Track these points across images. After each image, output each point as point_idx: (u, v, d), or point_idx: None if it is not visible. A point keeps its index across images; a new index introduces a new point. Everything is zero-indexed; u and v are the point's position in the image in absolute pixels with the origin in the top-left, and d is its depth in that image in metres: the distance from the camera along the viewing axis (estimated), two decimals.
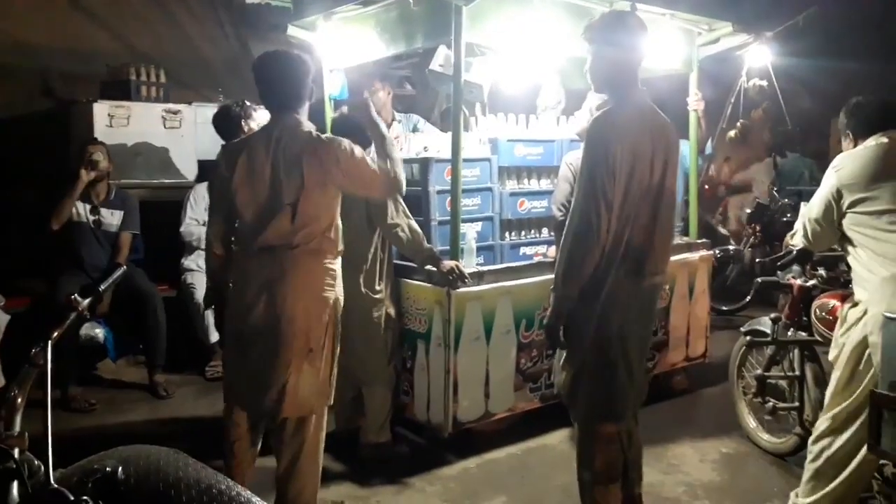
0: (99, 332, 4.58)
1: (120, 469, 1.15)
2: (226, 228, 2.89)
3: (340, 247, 2.88)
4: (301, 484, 2.87)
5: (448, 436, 3.61)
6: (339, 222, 2.88)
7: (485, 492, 3.30)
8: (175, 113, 5.36)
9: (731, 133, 7.22)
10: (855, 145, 2.85)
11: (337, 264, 2.86)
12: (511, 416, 3.88)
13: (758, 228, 6.94)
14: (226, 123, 3.89)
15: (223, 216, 2.88)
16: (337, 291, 2.86)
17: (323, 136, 2.81)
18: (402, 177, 2.92)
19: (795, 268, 3.54)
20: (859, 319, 2.60)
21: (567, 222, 2.57)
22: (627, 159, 2.51)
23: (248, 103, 3.91)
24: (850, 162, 2.73)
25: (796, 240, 3.06)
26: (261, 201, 2.73)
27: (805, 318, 3.44)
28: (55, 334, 1.27)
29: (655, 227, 2.64)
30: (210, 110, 5.52)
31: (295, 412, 2.79)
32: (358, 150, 2.79)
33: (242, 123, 3.86)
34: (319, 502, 3.05)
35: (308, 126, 2.78)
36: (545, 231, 4.41)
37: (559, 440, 3.86)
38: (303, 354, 2.73)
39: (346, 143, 2.77)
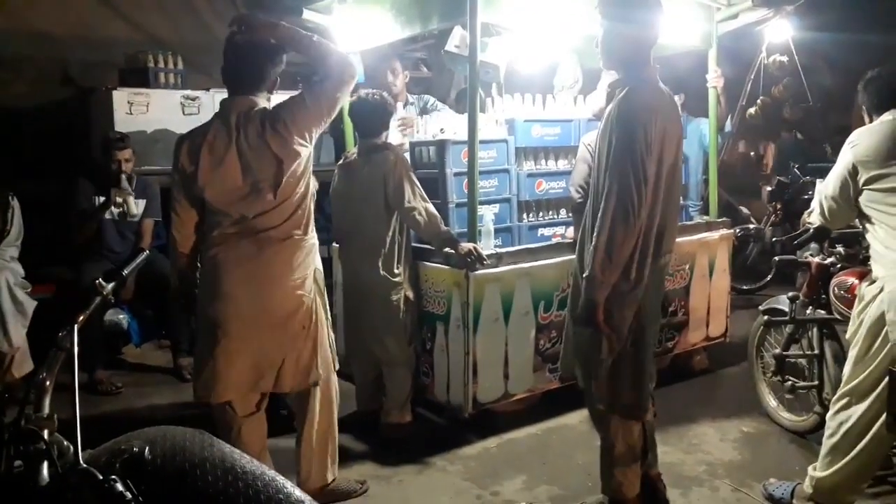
0: (122, 318, 4.67)
1: (147, 449, 1.18)
2: (195, 223, 2.78)
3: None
4: (314, 456, 2.95)
5: (468, 416, 3.63)
6: (313, 190, 2.86)
7: (505, 471, 3.33)
8: (193, 99, 5.39)
9: (752, 110, 7.13)
10: (871, 121, 2.81)
11: (313, 236, 2.84)
12: (530, 396, 3.89)
13: (778, 207, 6.88)
14: None
15: (191, 212, 2.76)
16: (316, 262, 2.88)
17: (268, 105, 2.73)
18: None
19: (813, 245, 3.51)
20: (876, 296, 2.58)
21: (602, 205, 2.49)
22: (659, 138, 2.48)
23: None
24: (865, 138, 2.69)
25: (813, 217, 3.03)
26: (234, 189, 2.65)
27: (824, 296, 3.40)
28: (81, 318, 1.30)
29: (671, 206, 2.63)
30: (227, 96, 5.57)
31: (302, 384, 2.83)
32: (295, 95, 2.72)
33: None
34: (342, 481, 3.10)
35: (262, 104, 2.71)
36: (563, 212, 4.39)
37: (579, 420, 3.87)
38: (298, 331, 2.76)
39: (284, 101, 2.70)
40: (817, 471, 2.79)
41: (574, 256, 3.96)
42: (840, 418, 2.71)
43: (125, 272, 1.40)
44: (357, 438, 3.68)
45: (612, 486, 2.77)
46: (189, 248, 2.81)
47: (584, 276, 2.56)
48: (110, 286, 1.36)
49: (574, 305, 2.70)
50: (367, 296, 3.64)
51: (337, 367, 3.01)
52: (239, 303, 2.68)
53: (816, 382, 3.41)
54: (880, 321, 2.55)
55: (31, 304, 4.22)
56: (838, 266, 3.39)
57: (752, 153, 8.91)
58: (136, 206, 4.64)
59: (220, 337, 2.70)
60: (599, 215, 2.49)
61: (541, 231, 4.29)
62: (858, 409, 2.64)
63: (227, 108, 2.70)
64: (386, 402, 3.72)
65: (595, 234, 2.51)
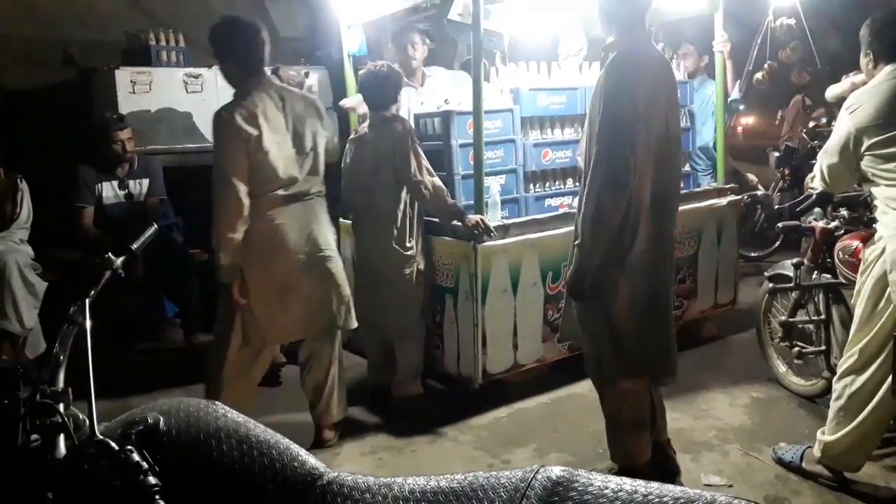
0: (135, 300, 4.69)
1: (161, 420, 1.18)
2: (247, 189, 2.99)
3: None
4: (335, 392, 3.35)
5: (478, 387, 3.66)
6: None
7: (517, 439, 3.36)
8: (196, 77, 5.35)
9: (759, 75, 7.04)
10: (874, 67, 2.69)
11: None
12: (540, 366, 3.91)
13: (786, 172, 6.83)
14: None
15: (245, 177, 2.97)
16: None
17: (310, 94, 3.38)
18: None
19: (817, 210, 3.48)
20: (879, 256, 2.57)
21: (591, 173, 2.48)
22: (650, 103, 2.46)
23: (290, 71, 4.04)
24: (865, 101, 2.62)
25: (815, 183, 2.98)
26: (287, 154, 3.05)
27: (829, 261, 3.39)
28: (92, 293, 1.30)
29: (672, 175, 2.60)
30: None
31: (336, 325, 3.28)
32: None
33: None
34: (356, 454, 3.14)
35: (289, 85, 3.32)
36: (570, 182, 4.36)
37: (589, 388, 3.85)
38: (340, 278, 3.27)
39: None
40: (825, 435, 2.80)
41: None
42: (846, 381, 2.71)
43: (134, 246, 1.40)
44: (369, 411, 3.71)
45: (622, 453, 2.79)
46: (245, 216, 2.98)
47: (575, 243, 2.57)
48: (120, 260, 1.36)
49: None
50: (379, 269, 3.65)
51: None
52: (299, 258, 3.10)
53: (824, 347, 3.41)
54: (882, 281, 2.54)
55: (42, 286, 4.24)
56: (842, 230, 3.37)
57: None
58: (141, 186, 4.64)
59: (280, 292, 3.10)
60: (587, 183, 2.48)
61: (548, 201, 4.27)
62: (865, 373, 2.64)
63: (263, 83, 3.07)
64: (397, 374, 3.75)
65: (584, 203, 2.50)
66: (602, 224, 2.47)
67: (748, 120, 11.70)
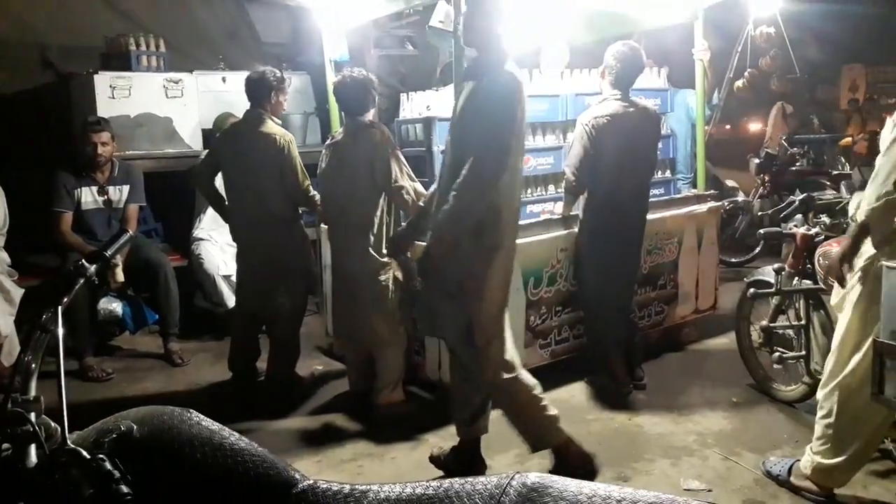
0: (117, 307, 4.64)
1: (135, 428, 1.17)
2: None
3: None
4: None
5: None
6: None
7: (498, 445, 3.34)
8: (176, 82, 5.33)
9: (739, 82, 7.13)
10: None
11: None
12: None
13: (766, 179, 6.91)
14: (259, 89, 3.89)
15: None
16: None
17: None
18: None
19: (798, 217, 3.52)
20: (870, 265, 2.58)
21: (465, 172, 2.61)
22: (521, 121, 2.74)
23: (283, 75, 4.01)
24: None
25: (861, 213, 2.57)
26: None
27: (809, 267, 3.42)
28: (64, 300, 1.29)
29: (509, 190, 2.79)
30: (211, 78, 5.52)
31: None
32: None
33: (273, 94, 3.90)
34: (336, 461, 3.12)
35: None
36: (552, 188, 4.39)
37: (570, 394, 3.90)
38: None
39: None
40: (814, 452, 2.75)
41: (563, 232, 4.02)
42: (833, 399, 2.67)
43: (108, 253, 1.39)
44: (350, 418, 3.70)
45: (542, 436, 2.90)
46: None
47: (430, 230, 2.82)
48: (93, 268, 1.34)
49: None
50: (355, 276, 3.64)
51: None
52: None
53: (804, 352, 3.43)
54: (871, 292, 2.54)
55: (18, 293, 4.18)
56: (823, 236, 3.40)
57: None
58: (121, 192, 4.59)
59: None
60: (459, 181, 2.64)
61: (530, 207, 4.29)
62: (851, 390, 2.61)
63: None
64: (378, 381, 3.73)
65: (450, 196, 2.67)
66: (465, 217, 2.67)
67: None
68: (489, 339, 2.79)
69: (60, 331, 1.24)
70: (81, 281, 1.33)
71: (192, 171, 4.23)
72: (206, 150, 4.52)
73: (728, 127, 10.07)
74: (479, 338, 2.78)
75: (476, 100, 2.73)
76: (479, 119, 2.69)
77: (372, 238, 3.57)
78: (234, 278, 4.51)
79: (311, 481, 1.20)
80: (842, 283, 2.67)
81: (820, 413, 2.75)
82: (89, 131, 4.42)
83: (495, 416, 3.64)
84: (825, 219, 3.50)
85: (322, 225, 4.21)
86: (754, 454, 3.16)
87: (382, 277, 3.60)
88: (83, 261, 1.35)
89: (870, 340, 2.53)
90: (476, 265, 2.75)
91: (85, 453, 1.06)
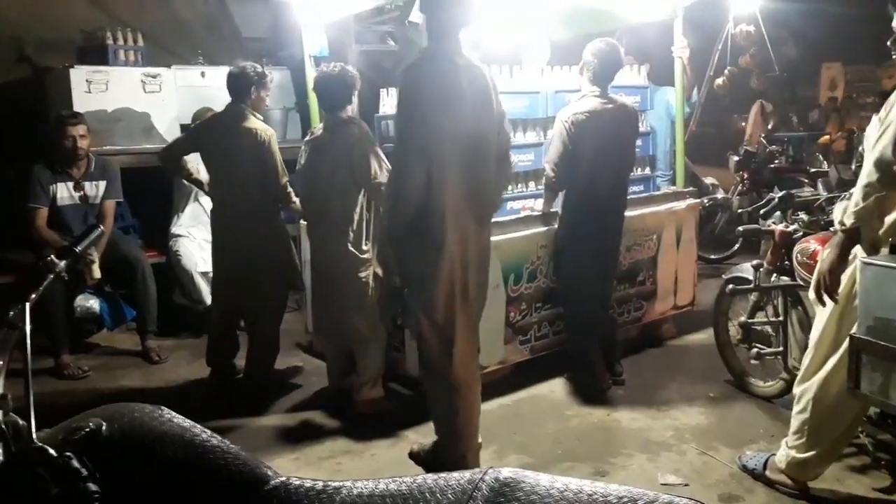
0: (94, 304, 4.59)
1: (104, 426, 1.16)
2: None
3: None
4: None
5: None
6: None
7: None
8: (155, 77, 5.28)
9: (720, 80, 7.17)
10: None
11: None
12: (502, 368, 3.92)
13: (745, 176, 6.96)
14: (240, 84, 3.87)
15: None
16: None
17: None
18: None
19: (777, 214, 3.56)
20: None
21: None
22: (445, 110, 2.61)
23: (264, 70, 3.98)
24: None
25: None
26: None
27: (787, 263, 3.45)
28: (33, 296, 1.27)
29: (485, 177, 2.78)
30: (190, 73, 5.47)
31: None
32: None
33: (254, 89, 3.87)
34: (314, 458, 3.11)
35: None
36: (532, 185, 4.40)
37: (549, 390, 3.92)
38: None
39: None
40: (789, 447, 2.78)
41: (543, 228, 4.03)
42: (809, 394, 2.69)
43: (78, 248, 1.37)
44: (329, 415, 3.69)
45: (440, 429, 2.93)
46: None
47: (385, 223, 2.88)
48: (63, 263, 1.32)
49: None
50: (335, 273, 3.62)
51: None
52: None
53: (782, 348, 3.46)
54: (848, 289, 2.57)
55: None
56: (801, 233, 3.44)
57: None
58: (98, 188, 4.53)
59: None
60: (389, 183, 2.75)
61: (510, 204, 4.29)
62: (827, 385, 2.63)
63: None
64: (357, 378, 3.72)
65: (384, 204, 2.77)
66: (391, 219, 2.74)
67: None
68: (447, 338, 2.80)
69: (28, 327, 1.22)
70: (51, 277, 1.31)
71: (163, 152, 4.17)
72: (181, 135, 4.48)
73: (709, 124, 10.15)
74: (425, 332, 2.82)
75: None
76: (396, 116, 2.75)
77: (351, 234, 3.55)
78: (212, 274, 4.48)
79: (284, 478, 1.19)
80: (833, 296, 2.54)
81: (796, 408, 2.77)
82: (67, 124, 4.35)
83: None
84: (803, 216, 3.53)
85: (301, 221, 4.19)
86: (731, 449, 3.19)
87: (362, 274, 3.58)
88: (52, 256, 1.33)
89: (847, 336, 2.56)
90: (420, 265, 2.73)
91: (52, 451, 1.04)
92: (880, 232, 2.45)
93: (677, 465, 3.09)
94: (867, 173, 2.39)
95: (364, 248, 3.58)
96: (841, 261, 2.51)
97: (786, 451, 2.80)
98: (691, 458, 3.16)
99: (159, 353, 4.62)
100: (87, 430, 1.15)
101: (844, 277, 2.55)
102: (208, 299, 4.72)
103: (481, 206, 2.82)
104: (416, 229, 2.68)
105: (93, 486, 1.03)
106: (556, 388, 3.95)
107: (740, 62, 7.25)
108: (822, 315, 2.68)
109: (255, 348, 4.03)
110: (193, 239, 4.99)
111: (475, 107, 2.70)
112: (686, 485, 2.92)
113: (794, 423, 2.78)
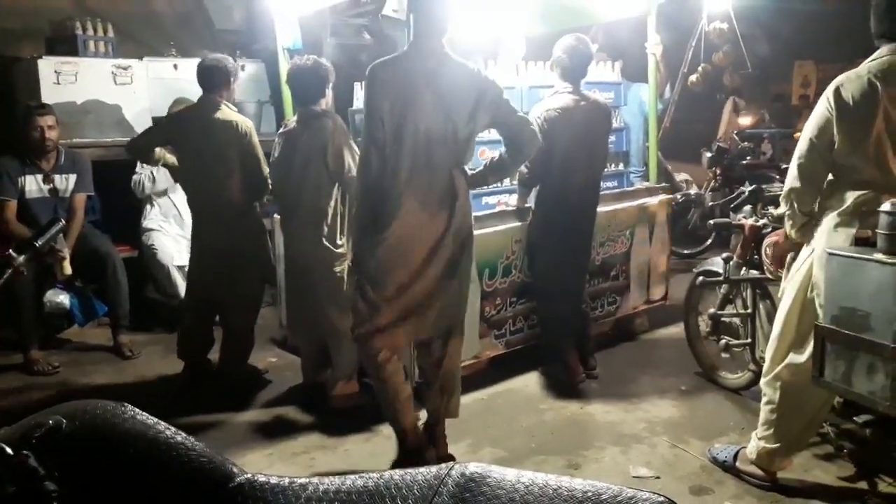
0: (64, 299, 4.51)
1: (64, 423, 1.14)
2: None
3: None
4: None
5: (415, 385, 3.64)
6: None
7: (451, 435, 3.34)
8: (126, 68, 5.20)
9: (693, 77, 7.23)
10: None
11: None
12: (477, 362, 3.93)
13: (718, 172, 7.03)
14: (215, 76, 3.82)
15: None
16: None
17: None
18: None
19: (747, 208, 3.60)
20: (808, 255, 2.65)
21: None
22: (388, 110, 2.74)
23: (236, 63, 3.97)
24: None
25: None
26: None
27: (756, 257, 3.50)
28: None
29: (439, 172, 2.83)
30: (162, 65, 5.40)
31: None
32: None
33: (228, 82, 3.85)
34: (287, 454, 3.09)
35: None
36: (507, 180, 4.38)
37: (523, 384, 3.94)
38: None
39: None
40: (759, 438, 2.82)
41: (518, 223, 4.03)
42: (776, 385, 2.74)
43: (38, 243, 1.34)
44: (303, 410, 3.67)
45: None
46: None
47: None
48: (22, 258, 1.30)
49: None
50: (309, 267, 3.60)
51: None
52: None
53: (749, 340, 3.52)
54: (808, 281, 2.62)
55: None
56: (770, 227, 3.48)
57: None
58: (68, 181, 4.45)
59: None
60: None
61: (485, 199, 4.30)
62: (792, 375, 2.68)
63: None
64: (332, 373, 3.71)
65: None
66: (355, 222, 2.91)
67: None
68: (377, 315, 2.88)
69: None
70: (9, 271, 1.28)
71: (132, 142, 4.11)
72: (152, 126, 4.42)
73: (682, 121, 10.22)
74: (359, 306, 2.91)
75: None
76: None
77: (325, 228, 3.53)
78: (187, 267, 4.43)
79: (250, 475, 1.18)
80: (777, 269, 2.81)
81: (764, 399, 2.82)
82: (34, 115, 4.27)
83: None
84: (773, 210, 3.57)
85: (276, 215, 4.16)
86: (701, 441, 3.23)
87: (337, 268, 3.57)
88: (10, 251, 1.31)
89: (808, 327, 2.61)
90: (370, 251, 2.84)
91: (8, 449, 1.02)
92: (839, 212, 2.54)
93: (649, 458, 3.13)
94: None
95: (339, 242, 3.56)
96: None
97: (756, 443, 2.84)
98: (662, 450, 3.19)
99: (132, 348, 4.57)
100: (47, 427, 1.13)
101: (804, 268, 2.62)
102: (183, 293, 4.67)
103: (438, 195, 2.84)
104: (374, 216, 2.82)
105: (51, 486, 1.01)
106: (530, 382, 3.97)
107: (714, 59, 7.30)
108: (784, 307, 2.73)
109: (230, 342, 3.99)
110: (167, 233, 4.93)
111: (436, 100, 2.77)
112: (657, 477, 2.95)
113: (763, 414, 2.83)
